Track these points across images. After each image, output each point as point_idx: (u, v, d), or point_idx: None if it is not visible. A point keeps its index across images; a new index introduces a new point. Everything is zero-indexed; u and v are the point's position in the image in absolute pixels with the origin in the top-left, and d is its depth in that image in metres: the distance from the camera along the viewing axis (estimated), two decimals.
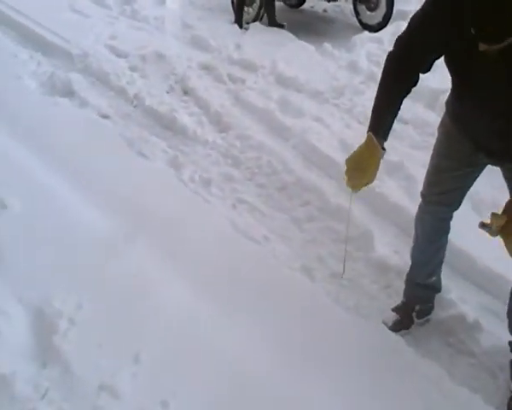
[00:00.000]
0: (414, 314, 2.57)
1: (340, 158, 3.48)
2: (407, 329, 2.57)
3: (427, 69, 2.04)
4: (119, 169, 3.28)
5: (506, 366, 2.37)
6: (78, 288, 2.47)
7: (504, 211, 1.97)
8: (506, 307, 2.34)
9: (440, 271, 2.58)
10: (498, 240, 1.96)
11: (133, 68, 4.68)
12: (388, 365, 2.32)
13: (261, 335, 2.35)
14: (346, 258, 2.50)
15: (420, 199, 2.44)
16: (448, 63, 2.02)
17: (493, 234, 1.95)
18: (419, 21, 1.98)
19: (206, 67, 4.83)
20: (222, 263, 2.69)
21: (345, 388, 2.19)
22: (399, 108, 2.08)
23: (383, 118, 2.09)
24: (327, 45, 5.15)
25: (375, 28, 5.73)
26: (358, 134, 3.67)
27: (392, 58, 2.07)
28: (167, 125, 3.99)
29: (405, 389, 2.21)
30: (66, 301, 2.40)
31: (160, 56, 4.83)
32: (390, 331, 2.50)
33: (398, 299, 2.65)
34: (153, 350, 2.25)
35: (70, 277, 2.53)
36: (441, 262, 2.56)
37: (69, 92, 4.19)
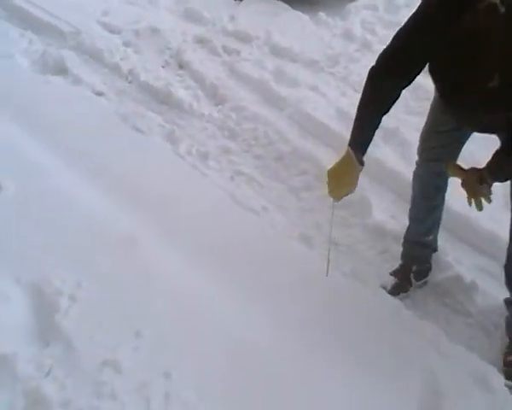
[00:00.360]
0: (412, 276, 2.61)
1: (336, 126, 3.51)
2: (406, 292, 2.60)
3: (409, 83, 2.03)
4: (115, 146, 3.26)
5: (501, 324, 2.43)
6: (76, 267, 2.48)
7: (466, 171, 2.14)
8: (502, 268, 2.37)
9: (437, 231, 2.61)
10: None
11: (127, 44, 4.64)
12: (387, 328, 2.35)
13: (261, 306, 2.37)
14: (331, 244, 2.44)
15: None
16: (432, 72, 2.01)
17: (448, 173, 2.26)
18: (405, 35, 1.95)
19: (201, 40, 4.80)
20: (221, 235, 2.70)
21: (344, 353, 2.23)
22: (380, 122, 2.10)
23: (363, 134, 2.12)
24: (321, 14, 5.10)
25: None
26: (354, 102, 3.62)
27: (375, 74, 2.05)
28: (163, 99, 3.98)
29: (404, 351, 2.26)
30: (65, 280, 2.40)
31: (154, 31, 4.79)
32: (389, 295, 2.53)
33: (395, 263, 2.68)
34: (153, 325, 2.27)
35: (67, 256, 2.53)
36: (438, 222, 2.59)
37: (62, 70, 4.16)
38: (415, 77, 1.98)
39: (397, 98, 2.04)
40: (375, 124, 2.09)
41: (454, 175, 2.23)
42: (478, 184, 2.09)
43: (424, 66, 1.95)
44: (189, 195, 2.96)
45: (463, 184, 2.16)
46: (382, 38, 4.27)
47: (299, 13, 5.21)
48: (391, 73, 1.98)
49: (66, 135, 3.28)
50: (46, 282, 2.39)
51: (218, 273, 2.51)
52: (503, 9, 1.64)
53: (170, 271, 2.50)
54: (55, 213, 2.75)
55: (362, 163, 2.10)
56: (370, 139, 2.11)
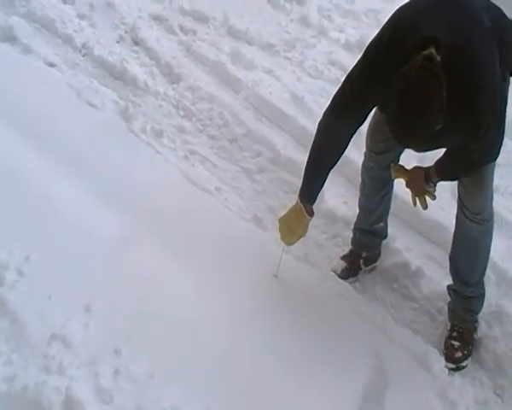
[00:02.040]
0: (361, 261, 2.67)
1: (291, 110, 3.53)
2: (355, 276, 2.66)
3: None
4: (68, 119, 3.18)
5: (444, 309, 2.52)
6: (24, 240, 2.42)
7: (409, 172, 2.26)
8: (447, 255, 2.45)
9: (387, 218, 2.67)
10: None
11: (81, 16, 4.49)
12: (337, 310, 2.42)
13: (214, 287, 2.40)
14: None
15: None
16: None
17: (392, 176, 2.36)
18: (359, 74, 2.00)
19: (157, 18, 4.70)
20: (174, 213, 2.70)
21: (293, 334, 2.27)
22: (328, 175, 2.23)
23: (312, 187, 2.25)
24: None
25: None
26: (309, 87, 3.74)
27: (328, 118, 2.13)
28: (118, 75, 3.89)
29: (352, 333, 2.33)
30: (12, 252, 2.35)
31: (109, 5, 4.65)
32: (339, 279, 2.60)
33: (346, 248, 2.75)
34: (104, 300, 2.26)
35: (15, 228, 2.47)
36: (387, 209, 2.65)
37: (10, 38, 3.95)
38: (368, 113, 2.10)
39: (343, 151, 2.16)
40: (324, 177, 2.22)
41: (398, 177, 2.33)
42: (423, 182, 2.16)
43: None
44: (144, 171, 2.94)
45: (408, 185, 2.25)
46: (338, 25, 4.28)
47: None
48: (347, 115, 2.07)
49: (16, 105, 3.16)
50: None
51: (171, 251, 2.51)
52: (439, 58, 1.72)
53: (122, 245, 2.48)
54: (3, 186, 2.65)
55: (311, 214, 2.22)
56: (319, 190, 2.25)
